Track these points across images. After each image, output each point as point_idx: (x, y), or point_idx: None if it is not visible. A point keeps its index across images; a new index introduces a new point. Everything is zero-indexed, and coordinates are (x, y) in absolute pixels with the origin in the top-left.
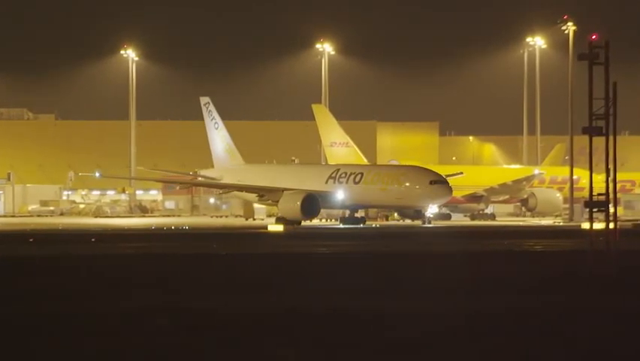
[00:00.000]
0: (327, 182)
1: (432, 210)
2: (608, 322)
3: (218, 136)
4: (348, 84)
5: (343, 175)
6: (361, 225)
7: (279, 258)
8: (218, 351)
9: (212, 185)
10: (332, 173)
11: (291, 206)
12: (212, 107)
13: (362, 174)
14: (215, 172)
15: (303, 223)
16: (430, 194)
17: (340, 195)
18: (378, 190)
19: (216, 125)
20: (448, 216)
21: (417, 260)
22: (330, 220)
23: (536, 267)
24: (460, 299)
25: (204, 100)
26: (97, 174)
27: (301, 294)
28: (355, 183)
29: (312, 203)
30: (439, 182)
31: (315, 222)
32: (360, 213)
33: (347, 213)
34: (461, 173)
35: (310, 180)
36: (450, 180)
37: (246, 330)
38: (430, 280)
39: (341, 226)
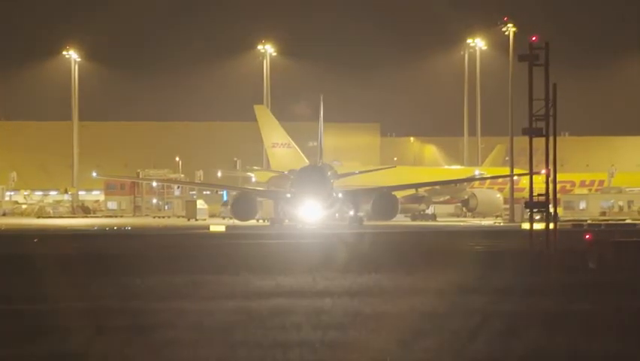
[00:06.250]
0: None
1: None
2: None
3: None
4: (289, 85)
5: None
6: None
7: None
8: None
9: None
10: None
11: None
12: (321, 106)
13: None
14: None
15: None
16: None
17: None
18: None
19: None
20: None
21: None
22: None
23: (471, 267)
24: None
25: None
26: (94, 174)
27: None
28: None
29: (243, 204)
30: None
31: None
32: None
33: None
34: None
35: None
36: None
37: None
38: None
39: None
